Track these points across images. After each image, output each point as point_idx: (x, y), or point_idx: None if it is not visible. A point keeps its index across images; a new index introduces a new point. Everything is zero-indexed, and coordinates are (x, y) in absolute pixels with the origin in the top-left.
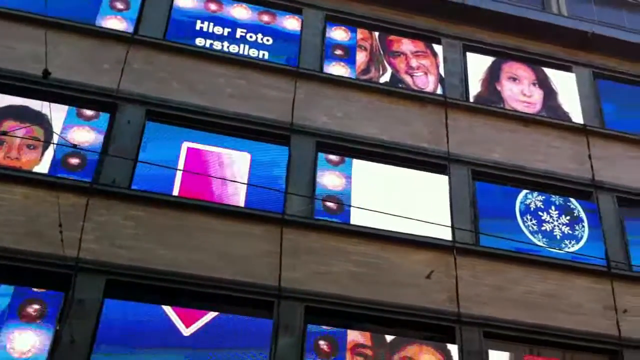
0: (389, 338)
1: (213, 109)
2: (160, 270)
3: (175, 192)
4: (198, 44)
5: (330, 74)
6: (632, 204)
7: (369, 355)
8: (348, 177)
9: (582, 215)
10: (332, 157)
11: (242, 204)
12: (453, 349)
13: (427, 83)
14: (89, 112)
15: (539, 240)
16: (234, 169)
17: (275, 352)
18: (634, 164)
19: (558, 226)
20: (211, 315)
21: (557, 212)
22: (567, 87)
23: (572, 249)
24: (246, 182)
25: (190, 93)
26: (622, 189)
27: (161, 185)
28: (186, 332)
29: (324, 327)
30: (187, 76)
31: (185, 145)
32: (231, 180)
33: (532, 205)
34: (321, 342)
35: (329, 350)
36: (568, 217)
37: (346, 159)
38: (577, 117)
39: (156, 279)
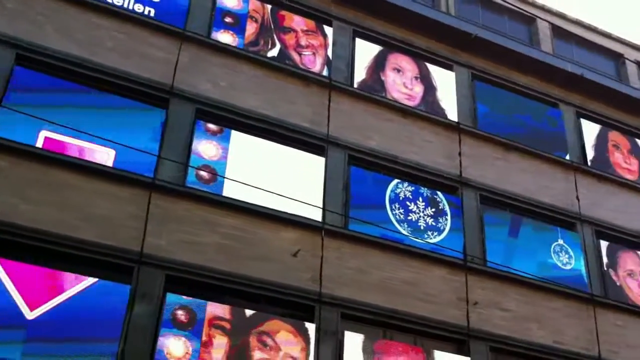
0: (248, 313)
1: (90, 61)
2: (20, 226)
3: (40, 144)
4: None
5: (218, 41)
6: (492, 202)
7: (227, 328)
8: (225, 148)
9: (447, 208)
10: (211, 126)
11: (110, 163)
12: (311, 327)
13: (314, 63)
14: None
15: (404, 229)
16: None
17: (130, 320)
18: (499, 165)
19: (423, 217)
20: (59, 299)
21: (423, 203)
22: (446, 84)
23: (433, 240)
24: (117, 141)
25: (67, 41)
26: (485, 187)
27: (25, 136)
28: (30, 315)
29: (184, 297)
30: (66, 22)
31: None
32: (97, 137)
33: (402, 195)
34: (179, 312)
35: (187, 321)
36: (433, 209)
37: (225, 129)
38: (453, 114)
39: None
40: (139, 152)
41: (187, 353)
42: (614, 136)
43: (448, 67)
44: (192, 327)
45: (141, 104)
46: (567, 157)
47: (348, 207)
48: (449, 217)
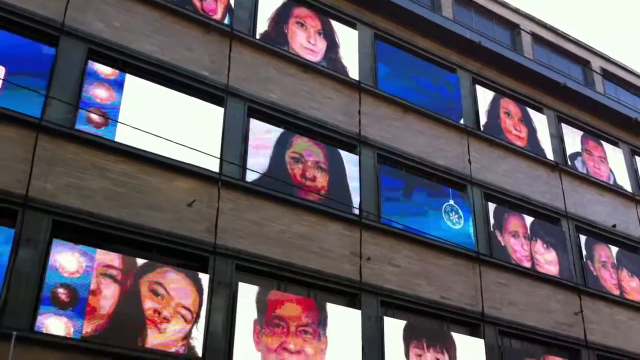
0: (140, 261)
1: None
2: None
3: None
4: None
5: None
6: (389, 161)
7: (117, 276)
8: (119, 93)
9: (345, 165)
10: (104, 68)
11: None
12: (204, 278)
13: (216, 11)
14: None
15: (303, 184)
16: None
17: (14, 265)
18: (397, 125)
19: (320, 172)
20: None
21: (324, 159)
22: (349, 42)
23: (322, 195)
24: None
25: None
26: (383, 146)
27: None
28: None
29: (72, 244)
30: None
31: None
32: None
33: (302, 151)
34: (65, 259)
35: (75, 270)
36: (332, 165)
37: (120, 73)
38: (354, 73)
39: None
40: (26, 91)
41: (74, 300)
42: (506, 103)
43: (351, 25)
44: (80, 274)
45: (30, 41)
46: (462, 122)
47: (246, 159)
48: (347, 174)
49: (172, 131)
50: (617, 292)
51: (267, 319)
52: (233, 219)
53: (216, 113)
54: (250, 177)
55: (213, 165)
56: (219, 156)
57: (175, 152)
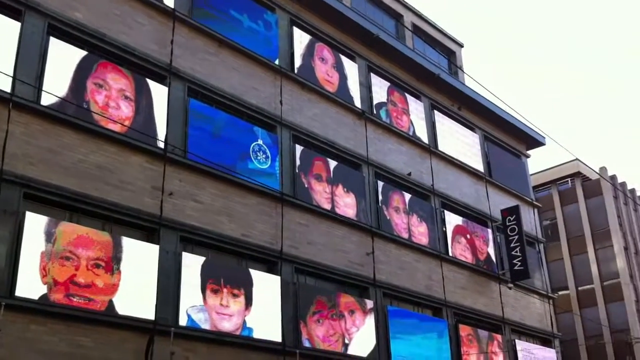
0: None
1: None
2: None
3: None
4: None
5: None
6: (199, 96)
7: None
8: None
9: (153, 97)
10: None
11: None
12: None
13: None
14: None
15: (105, 113)
16: None
17: None
18: (210, 60)
19: (125, 100)
20: None
21: (130, 88)
22: None
23: (126, 125)
24: None
25: None
26: (195, 80)
27: None
28: None
29: None
30: None
31: None
32: None
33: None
34: None
35: None
36: (138, 95)
37: None
38: (169, 0)
39: None
40: None
41: None
42: (321, 49)
43: None
44: None
45: None
46: (277, 62)
47: (42, 81)
48: (154, 105)
49: None
50: (406, 236)
51: (55, 251)
52: (24, 144)
53: (12, 28)
54: (47, 100)
55: (4, 85)
56: (11, 75)
57: None
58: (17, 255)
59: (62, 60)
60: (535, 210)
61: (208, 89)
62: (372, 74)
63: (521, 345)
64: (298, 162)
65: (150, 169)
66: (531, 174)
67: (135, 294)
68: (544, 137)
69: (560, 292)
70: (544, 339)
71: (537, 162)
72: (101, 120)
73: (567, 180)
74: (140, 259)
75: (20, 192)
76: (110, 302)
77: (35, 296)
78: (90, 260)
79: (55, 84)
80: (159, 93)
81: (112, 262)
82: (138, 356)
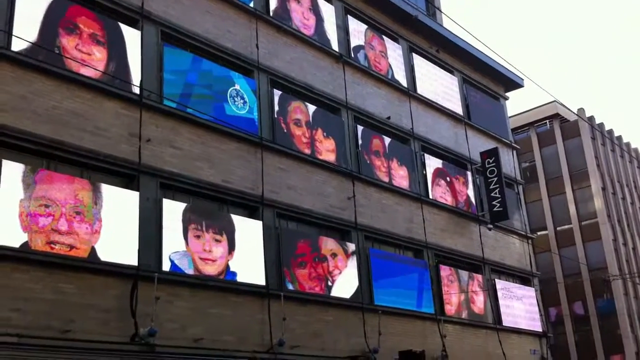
0: None
1: None
2: None
3: None
4: None
5: None
6: (174, 40)
7: None
8: None
9: (125, 41)
10: None
11: None
12: None
13: None
14: None
15: (75, 62)
16: None
17: None
18: (184, 2)
19: (98, 45)
20: None
21: (102, 32)
22: None
23: (100, 70)
24: None
25: None
26: (167, 23)
27: None
28: None
29: None
30: None
31: None
32: None
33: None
34: None
35: None
36: (110, 39)
37: None
38: None
39: None
40: None
41: None
42: None
43: None
44: None
45: None
46: (251, 5)
47: (12, 26)
48: (125, 50)
49: None
50: (386, 179)
51: (35, 198)
52: None
53: None
54: (17, 46)
55: None
56: None
57: None
58: None
59: (32, 5)
60: (514, 152)
61: (182, 33)
62: (349, 16)
63: (501, 284)
64: (277, 107)
65: (125, 115)
66: (510, 117)
67: (117, 241)
68: (522, 79)
69: (539, 233)
70: (524, 278)
71: (516, 104)
72: (74, 65)
73: (546, 122)
74: (120, 205)
75: None
76: (93, 248)
77: (16, 244)
78: (69, 207)
79: (26, 30)
80: (131, 37)
81: (92, 209)
82: (121, 302)
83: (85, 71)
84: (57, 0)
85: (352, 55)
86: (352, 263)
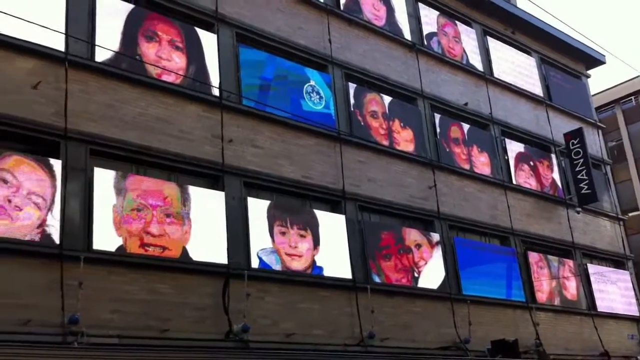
0: None
1: None
2: None
3: None
4: None
5: None
6: (248, 41)
7: None
8: None
9: (202, 45)
10: None
11: None
12: (56, 164)
13: None
14: None
15: (155, 67)
16: None
17: None
18: (256, 3)
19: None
20: None
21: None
22: None
23: (181, 75)
24: None
25: None
26: (242, 25)
27: None
28: None
29: None
30: None
31: None
32: None
33: (155, 31)
34: None
35: None
36: (188, 44)
37: None
38: None
39: None
40: None
41: None
42: None
43: None
44: None
45: None
46: (322, 0)
47: (94, 37)
48: (204, 52)
49: (10, 6)
50: (467, 167)
51: (127, 203)
52: (83, 101)
53: None
54: (101, 56)
55: (57, 44)
56: (63, 32)
57: (14, 30)
58: (91, 210)
59: (111, 16)
60: (600, 132)
61: (256, 33)
62: (419, 4)
63: (593, 268)
64: (352, 100)
65: (207, 117)
66: (592, 95)
67: (206, 240)
68: (604, 55)
69: (630, 214)
70: (617, 262)
71: (598, 82)
72: (155, 72)
73: (631, 98)
74: (207, 206)
75: (87, 149)
76: (184, 249)
77: (112, 248)
78: (160, 210)
79: (107, 40)
80: (208, 41)
81: (181, 211)
82: (215, 299)
83: (167, 77)
84: (135, 9)
85: (425, 43)
86: (438, 253)
